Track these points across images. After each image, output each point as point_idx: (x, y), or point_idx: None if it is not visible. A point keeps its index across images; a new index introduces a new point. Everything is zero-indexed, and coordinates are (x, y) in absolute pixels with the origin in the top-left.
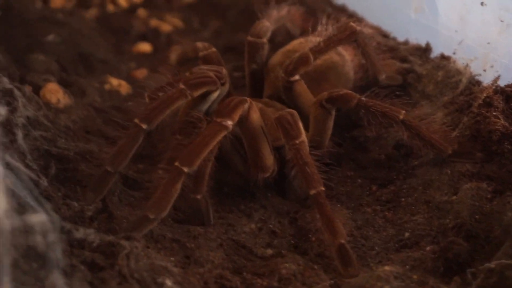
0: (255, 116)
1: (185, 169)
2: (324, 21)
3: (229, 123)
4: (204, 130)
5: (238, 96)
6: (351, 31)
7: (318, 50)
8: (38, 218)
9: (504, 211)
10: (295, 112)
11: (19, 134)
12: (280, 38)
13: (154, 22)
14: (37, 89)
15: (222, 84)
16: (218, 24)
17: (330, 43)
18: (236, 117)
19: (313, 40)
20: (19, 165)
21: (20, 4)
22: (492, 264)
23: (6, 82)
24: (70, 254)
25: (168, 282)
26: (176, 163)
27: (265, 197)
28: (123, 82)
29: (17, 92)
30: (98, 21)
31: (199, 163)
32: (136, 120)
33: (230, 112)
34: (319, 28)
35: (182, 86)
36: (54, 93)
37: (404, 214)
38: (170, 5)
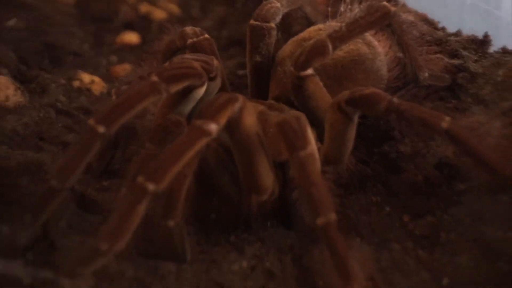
0: (250, 119)
1: (151, 187)
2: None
3: (213, 127)
4: (180, 136)
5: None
6: (383, 12)
7: (338, 37)
8: None
9: None
10: (302, 116)
11: None
12: (299, 27)
13: (144, 8)
14: None
15: (212, 79)
16: (223, 11)
17: (355, 28)
18: (223, 119)
19: (334, 25)
20: None
21: None
22: None
23: None
24: None
25: None
26: (140, 179)
27: (263, 227)
28: (98, 79)
29: None
30: (76, 6)
31: (171, 179)
32: (91, 122)
33: (214, 113)
34: (342, 9)
35: (155, 78)
36: (3, 89)
37: (443, 254)
38: None
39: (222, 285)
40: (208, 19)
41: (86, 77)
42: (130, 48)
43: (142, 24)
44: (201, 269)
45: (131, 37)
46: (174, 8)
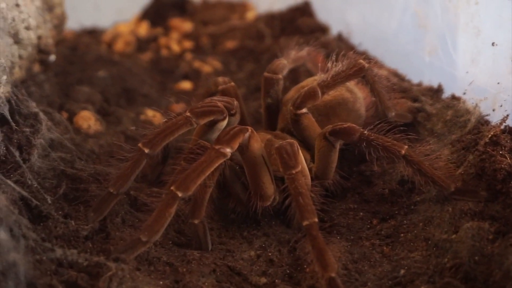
0: (256, 145)
1: (180, 194)
2: (334, 58)
3: (228, 150)
4: (203, 156)
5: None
6: (358, 67)
7: (325, 85)
8: None
9: (506, 254)
10: (295, 143)
11: (34, 154)
12: (304, 78)
13: (197, 64)
14: (72, 116)
15: (232, 115)
16: (252, 67)
17: (337, 79)
18: (235, 145)
19: (324, 77)
20: (10, 182)
21: (86, 46)
22: None
23: (33, 107)
24: (54, 273)
25: None
26: (172, 187)
27: (269, 225)
28: (158, 114)
29: (42, 116)
30: (150, 63)
31: (195, 188)
32: (140, 145)
33: (229, 140)
34: (329, 64)
35: (187, 113)
36: (86, 119)
37: (402, 250)
38: (214, 50)
39: (234, 269)
40: (241, 72)
41: (150, 112)
42: (185, 92)
43: (194, 75)
44: (219, 256)
45: (186, 85)
46: (218, 65)
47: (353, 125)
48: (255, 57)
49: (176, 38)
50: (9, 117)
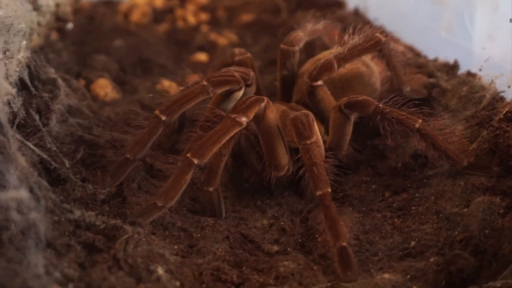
0: (272, 115)
1: (196, 161)
2: (351, 31)
3: (243, 119)
4: (219, 125)
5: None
6: (375, 40)
7: (342, 58)
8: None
9: None
10: (310, 114)
11: (53, 119)
12: (319, 51)
13: (213, 36)
14: (89, 84)
15: (248, 85)
16: (268, 40)
17: (354, 52)
18: (251, 114)
19: (340, 50)
20: (30, 144)
21: (102, 16)
22: (497, 283)
23: (51, 73)
24: (72, 234)
25: (160, 270)
26: (188, 155)
27: (282, 195)
28: (174, 84)
29: (61, 82)
30: (166, 34)
31: (211, 156)
32: (157, 112)
33: (245, 109)
34: (345, 37)
35: (204, 82)
36: (103, 87)
37: (413, 223)
38: (230, 23)
39: (247, 236)
40: (257, 45)
41: (166, 83)
42: (200, 64)
43: (210, 47)
44: (232, 223)
45: (202, 56)
46: (233, 37)
47: (368, 98)
48: (270, 30)
49: (192, 10)
50: (28, 82)
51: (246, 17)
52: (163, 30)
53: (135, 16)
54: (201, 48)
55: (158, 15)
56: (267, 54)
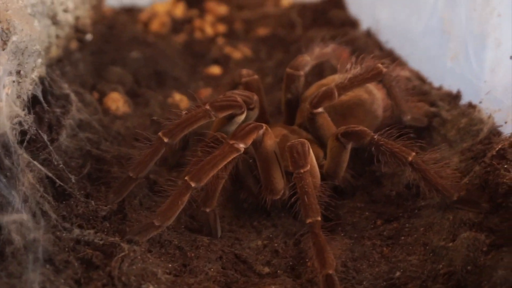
0: (269, 142)
1: (193, 184)
2: (354, 60)
3: (241, 146)
4: (217, 150)
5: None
6: (376, 71)
7: (342, 87)
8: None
9: (496, 267)
10: (306, 143)
11: (63, 134)
12: (329, 73)
13: (228, 49)
14: (103, 97)
15: (251, 109)
16: (281, 56)
17: (355, 82)
18: (249, 141)
19: (343, 77)
20: (37, 163)
21: (123, 25)
22: None
23: (65, 88)
24: (71, 250)
25: None
26: (186, 177)
27: (278, 216)
28: (185, 98)
29: (73, 97)
30: (183, 45)
31: (208, 180)
32: (160, 134)
33: (244, 135)
34: (348, 66)
35: (207, 107)
36: (115, 101)
37: (400, 253)
38: (247, 36)
39: (240, 257)
40: (271, 60)
41: (177, 96)
42: (214, 77)
43: (224, 60)
44: (227, 243)
45: (216, 69)
46: (248, 52)
47: (365, 128)
48: (285, 46)
49: (211, 21)
50: (41, 98)
51: (262, 31)
52: (181, 41)
53: (155, 26)
54: (216, 61)
55: (177, 25)
56: (279, 69)
